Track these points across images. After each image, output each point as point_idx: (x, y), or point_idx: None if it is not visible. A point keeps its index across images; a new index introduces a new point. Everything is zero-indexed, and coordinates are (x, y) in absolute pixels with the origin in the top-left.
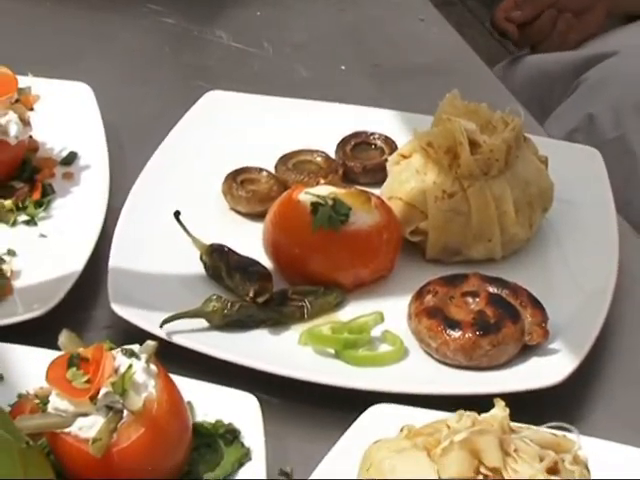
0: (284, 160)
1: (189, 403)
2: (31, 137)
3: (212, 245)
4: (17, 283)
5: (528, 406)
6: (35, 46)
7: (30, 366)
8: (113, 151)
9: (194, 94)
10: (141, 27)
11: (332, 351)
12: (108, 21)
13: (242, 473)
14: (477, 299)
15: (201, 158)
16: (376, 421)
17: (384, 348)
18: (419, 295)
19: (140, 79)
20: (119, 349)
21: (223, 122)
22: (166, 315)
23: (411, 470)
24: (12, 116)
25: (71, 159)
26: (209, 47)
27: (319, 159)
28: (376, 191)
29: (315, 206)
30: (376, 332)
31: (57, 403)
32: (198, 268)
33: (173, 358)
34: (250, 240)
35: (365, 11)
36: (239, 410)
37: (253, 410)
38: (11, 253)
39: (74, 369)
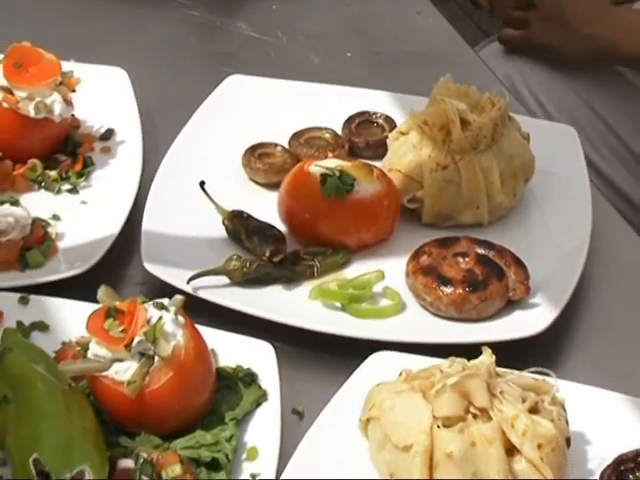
0: (297, 136)
1: (212, 350)
2: (73, 115)
3: (233, 211)
4: (61, 244)
5: (512, 353)
6: (78, 35)
7: (72, 317)
8: (146, 128)
9: (217, 78)
10: (171, 19)
11: (338, 305)
12: (142, 14)
13: (259, 412)
14: (467, 259)
15: (223, 134)
16: (377, 367)
17: (384, 302)
18: (415, 255)
19: (169, 65)
20: (151, 302)
21: (243, 103)
22: (192, 273)
23: (408, 409)
24: (56, 97)
25: (108, 135)
26: (230, 37)
27: (327, 135)
28: (378, 164)
29: (324, 177)
30: (377, 288)
31: (96, 350)
32: (220, 231)
33: (198, 311)
34: (266, 207)
35: (368, 6)
36: (257, 356)
37: (269, 356)
38: (56, 218)
39: (111, 320)
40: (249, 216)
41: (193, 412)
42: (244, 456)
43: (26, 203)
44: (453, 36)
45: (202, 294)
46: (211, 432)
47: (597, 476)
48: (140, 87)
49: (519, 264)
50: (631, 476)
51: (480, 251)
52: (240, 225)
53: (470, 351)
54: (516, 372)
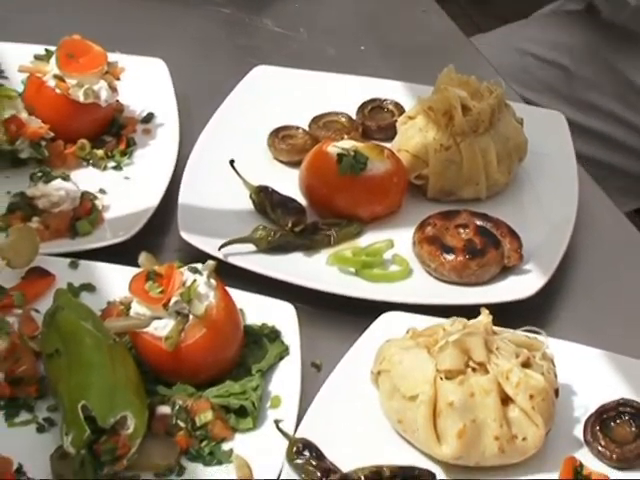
0: (316, 120)
1: (241, 310)
2: (117, 101)
3: (259, 186)
4: (107, 215)
5: (507, 314)
6: (122, 30)
7: (116, 280)
8: (182, 112)
9: (245, 69)
10: (204, 16)
11: (353, 270)
12: (179, 11)
13: (282, 365)
14: (467, 230)
15: (250, 118)
16: (387, 325)
17: (394, 268)
18: (421, 226)
19: (203, 56)
20: (186, 267)
21: (268, 90)
22: (223, 241)
23: (414, 363)
24: (103, 84)
25: (149, 118)
26: (257, 32)
27: (343, 119)
28: (388, 145)
29: (340, 156)
30: (387, 255)
31: (137, 309)
32: (248, 204)
33: (228, 274)
34: (289, 183)
35: (380, 4)
36: (280, 315)
37: (291, 316)
38: (102, 192)
39: (151, 282)
40: (273, 191)
41: (223, 364)
42: (268, 404)
43: (76, 178)
44: (455, 32)
45: (232, 260)
46: (239, 382)
47: (582, 423)
48: (177, 76)
49: (513, 234)
50: (612, 423)
51: (479, 223)
52: (265, 199)
53: (469, 312)
54: (510, 331)
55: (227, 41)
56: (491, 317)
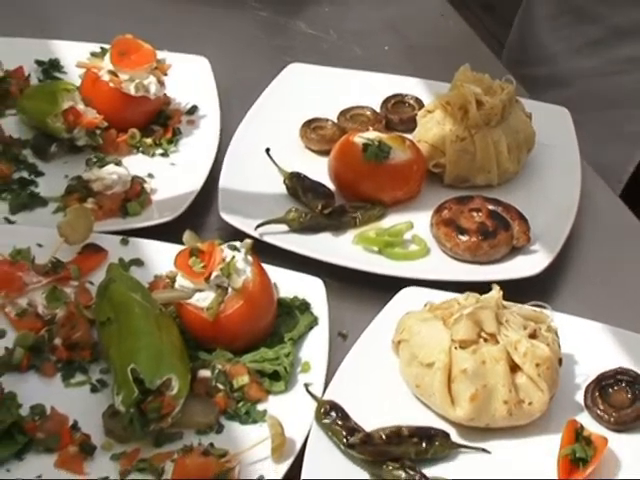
0: (344, 113)
1: (274, 284)
2: (165, 94)
3: (292, 173)
4: (154, 197)
5: (515, 290)
6: (170, 30)
7: (163, 256)
8: (223, 105)
9: (280, 66)
10: (244, 18)
11: (376, 249)
12: (221, 14)
13: (312, 334)
14: (480, 213)
15: (284, 111)
16: (407, 299)
17: (413, 247)
18: (438, 210)
19: (242, 55)
20: (226, 244)
21: (301, 86)
22: (259, 221)
23: (431, 333)
24: (152, 79)
25: (193, 110)
26: (291, 33)
27: (368, 112)
28: (409, 136)
29: (365, 146)
30: (407, 236)
31: (182, 282)
32: (282, 189)
33: (264, 252)
34: (319, 169)
35: (402, 8)
36: (310, 289)
37: (320, 289)
38: (150, 176)
39: (194, 258)
40: (305, 177)
41: (258, 333)
42: (299, 369)
43: (127, 164)
44: (469, 34)
45: (267, 239)
46: (273, 349)
47: (583, 390)
48: (218, 72)
49: (522, 218)
50: (610, 390)
51: (490, 207)
52: (297, 184)
53: (482, 287)
54: (518, 305)
55: (264, 41)
56: (501, 292)
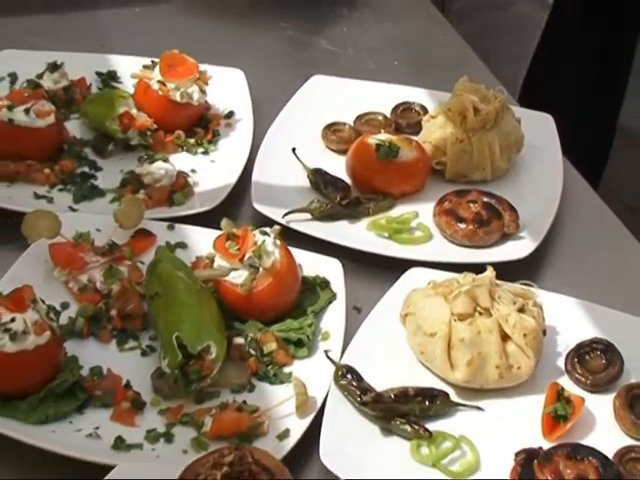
0: (359, 118)
1: (299, 264)
2: (206, 101)
3: (314, 169)
4: (196, 189)
5: (506, 270)
6: (211, 46)
7: (203, 239)
8: (255, 111)
9: (304, 77)
10: (274, 36)
11: (386, 234)
12: (254, 32)
13: (331, 307)
14: (476, 205)
15: (308, 116)
16: (413, 278)
17: (418, 234)
18: (440, 202)
19: (272, 67)
20: (257, 230)
21: (322, 94)
22: (286, 210)
23: (434, 307)
24: (195, 88)
25: (230, 115)
26: (314, 49)
27: (380, 118)
28: (415, 137)
29: (378, 146)
30: (413, 224)
31: (219, 262)
32: (305, 182)
33: (290, 237)
34: (338, 166)
35: (410, 28)
36: (329, 269)
37: (338, 269)
38: (193, 171)
39: (230, 242)
40: (325, 172)
41: (285, 306)
42: (320, 337)
43: (173, 160)
44: (468, 51)
45: (292, 225)
46: (297, 320)
47: (563, 357)
48: (252, 82)
49: (512, 209)
50: (587, 357)
51: (485, 199)
52: (319, 178)
53: (477, 268)
54: (509, 284)
55: (291, 56)
56: (494, 273)
